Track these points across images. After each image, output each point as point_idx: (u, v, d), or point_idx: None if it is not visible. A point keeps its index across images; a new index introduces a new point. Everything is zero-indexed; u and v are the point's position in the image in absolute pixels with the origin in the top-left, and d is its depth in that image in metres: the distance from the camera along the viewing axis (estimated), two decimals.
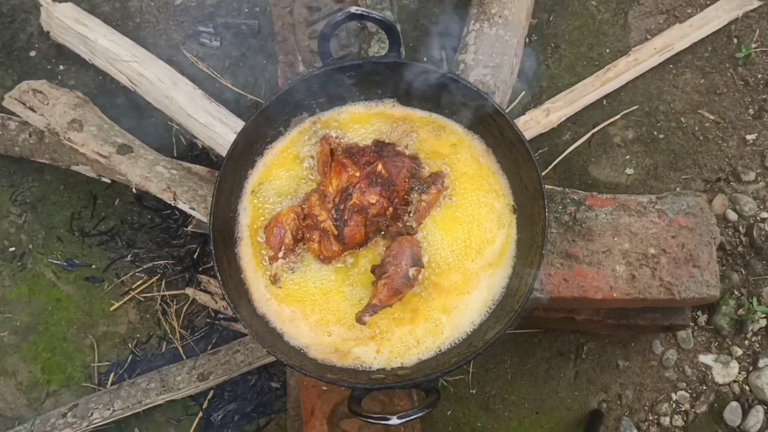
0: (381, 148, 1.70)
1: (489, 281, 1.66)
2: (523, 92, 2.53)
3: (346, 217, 1.63)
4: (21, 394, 2.33)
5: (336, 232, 1.63)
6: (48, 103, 2.23)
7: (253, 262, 1.69)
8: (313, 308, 1.64)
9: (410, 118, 1.80)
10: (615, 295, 1.83)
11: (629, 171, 2.47)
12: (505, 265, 1.68)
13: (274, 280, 1.65)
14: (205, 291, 2.35)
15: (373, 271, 1.62)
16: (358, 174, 1.66)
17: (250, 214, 1.72)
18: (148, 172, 2.15)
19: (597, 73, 2.50)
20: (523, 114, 2.43)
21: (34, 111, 2.24)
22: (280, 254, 1.65)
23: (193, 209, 2.12)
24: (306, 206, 1.67)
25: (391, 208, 1.66)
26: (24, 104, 2.25)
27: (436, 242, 1.68)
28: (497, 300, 1.65)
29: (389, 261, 1.58)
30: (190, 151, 2.48)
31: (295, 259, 1.66)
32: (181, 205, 2.13)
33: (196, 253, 2.41)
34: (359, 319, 1.57)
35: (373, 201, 1.64)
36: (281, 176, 1.75)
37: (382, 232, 1.68)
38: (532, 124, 2.40)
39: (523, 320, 2.09)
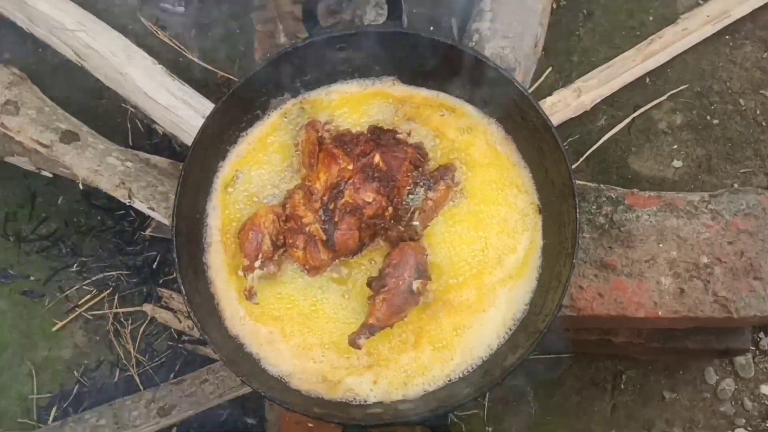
0: (378, 136, 1.70)
1: (509, 296, 1.66)
2: (550, 68, 2.53)
3: (336, 219, 1.63)
4: None
5: (324, 237, 1.63)
6: None
7: (225, 272, 1.69)
8: (295, 329, 1.64)
9: (414, 100, 1.79)
10: (660, 312, 1.84)
11: (677, 163, 2.47)
12: (528, 277, 1.68)
13: (250, 294, 1.64)
14: (167, 308, 2.34)
15: (369, 284, 1.62)
16: (350, 167, 1.66)
17: (221, 215, 1.72)
18: (97, 165, 2.15)
19: (638, 45, 2.50)
20: (550, 95, 2.43)
21: None
22: (257, 264, 1.64)
23: (153, 209, 2.12)
24: (288, 206, 1.67)
25: (390, 208, 1.66)
26: None
27: (445, 249, 1.68)
28: (519, 319, 1.65)
29: (389, 272, 1.58)
30: (148, 139, 2.48)
31: (274, 270, 1.66)
32: (137, 205, 2.13)
33: (156, 263, 2.41)
34: (353, 343, 1.57)
35: (369, 200, 1.64)
36: (258, 169, 1.75)
37: (380, 237, 1.68)
38: (561, 106, 2.40)
39: (550, 343, 2.09)
